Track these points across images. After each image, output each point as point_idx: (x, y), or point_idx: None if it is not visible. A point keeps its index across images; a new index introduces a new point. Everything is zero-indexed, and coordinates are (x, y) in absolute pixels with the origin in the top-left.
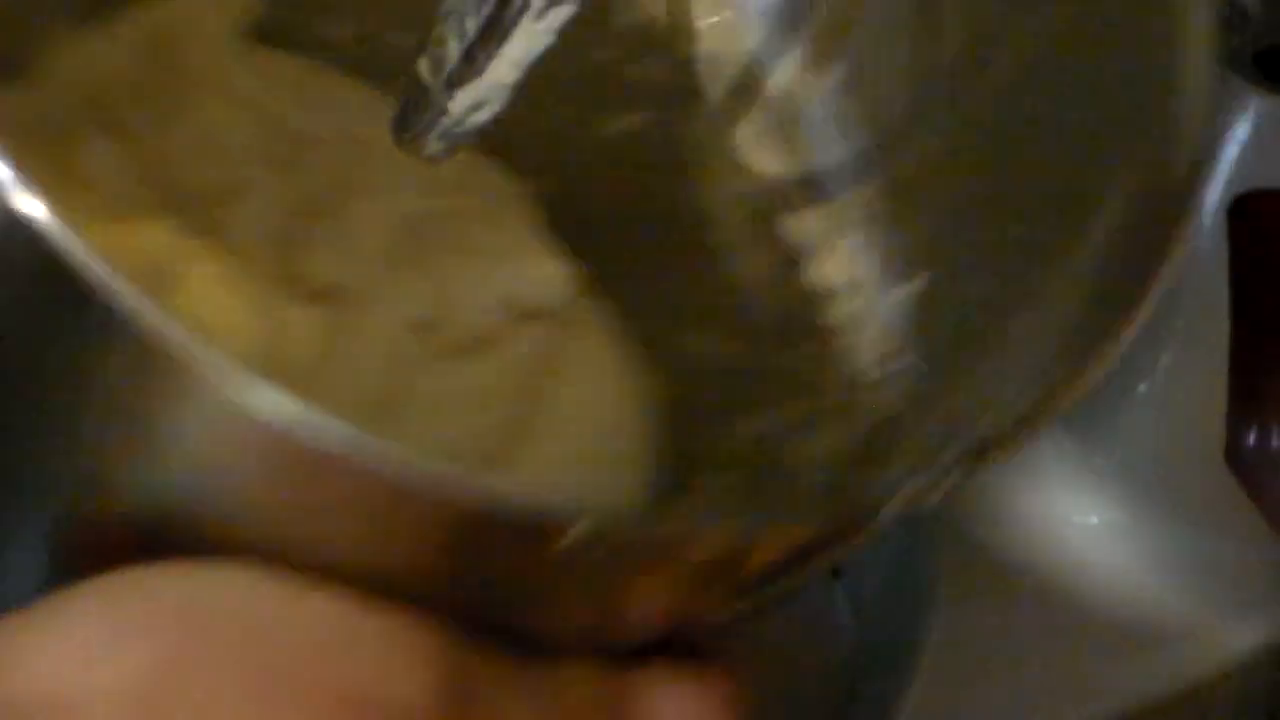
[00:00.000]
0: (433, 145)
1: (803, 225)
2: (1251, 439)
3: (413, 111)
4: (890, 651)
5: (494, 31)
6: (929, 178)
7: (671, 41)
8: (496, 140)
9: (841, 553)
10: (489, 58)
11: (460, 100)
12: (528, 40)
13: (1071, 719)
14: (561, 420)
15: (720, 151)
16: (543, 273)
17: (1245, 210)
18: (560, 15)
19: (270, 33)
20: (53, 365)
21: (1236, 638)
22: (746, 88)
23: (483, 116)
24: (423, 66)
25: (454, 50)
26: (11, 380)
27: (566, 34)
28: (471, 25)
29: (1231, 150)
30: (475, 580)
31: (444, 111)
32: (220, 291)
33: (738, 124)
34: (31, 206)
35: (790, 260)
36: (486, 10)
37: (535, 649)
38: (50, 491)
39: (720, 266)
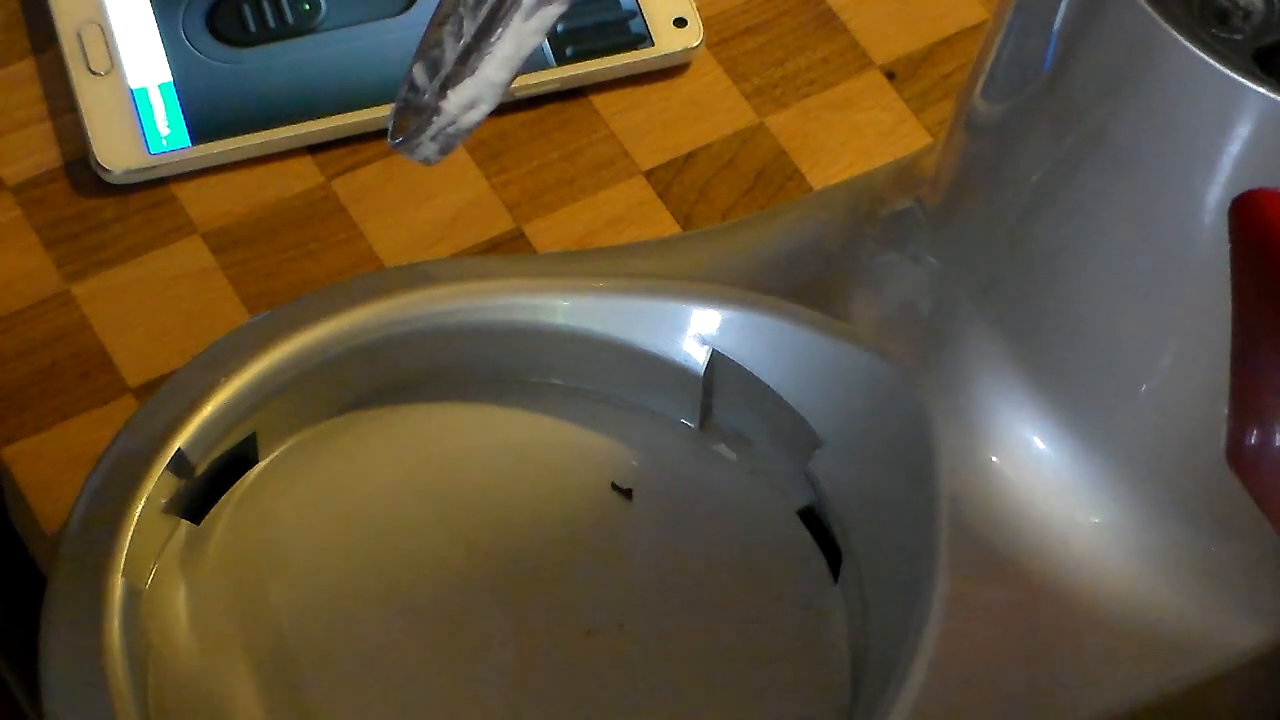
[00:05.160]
0: (427, 147)
1: None
2: (1252, 439)
3: (406, 116)
4: (890, 653)
5: (488, 30)
6: None
7: None
8: None
9: None
10: (481, 57)
11: (453, 100)
12: (518, 39)
13: (1071, 718)
14: None
15: None
16: None
17: (1245, 210)
18: (549, 15)
19: None
20: None
21: (1236, 638)
22: None
23: (475, 115)
24: (418, 71)
25: (450, 53)
26: None
27: None
28: (469, 27)
29: (1231, 150)
30: None
31: (438, 112)
32: None
33: None
34: None
35: None
36: (485, 11)
37: None
38: None
39: None
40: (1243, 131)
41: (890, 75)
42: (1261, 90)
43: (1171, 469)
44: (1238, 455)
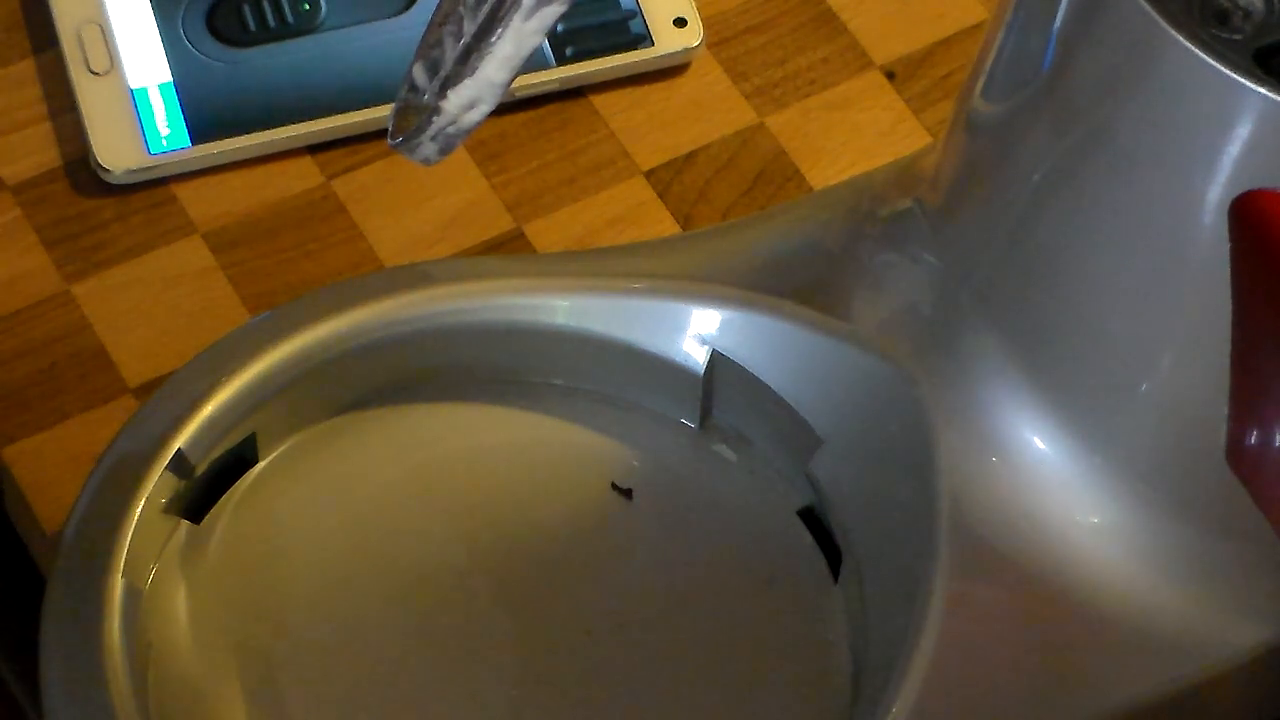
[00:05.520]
0: (427, 147)
1: None
2: (1252, 439)
3: (406, 116)
4: (890, 653)
5: (488, 30)
6: None
7: None
8: None
9: None
10: (481, 57)
11: (453, 100)
12: (518, 39)
13: (1071, 718)
14: None
15: None
16: None
17: (1245, 210)
18: (549, 15)
19: None
20: None
21: (1236, 638)
22: None
23: (475, 115)
24: (418, 71)
25: (450, 53)
26: None
27: None
28: (470, 27)
29: (1231, 150)
30: None
31: (438, 112)
32: None
33: None
34: None
35: None
36: (485, 11)
37: None
38: None
39: None
40: (1243, 131)
41: (890, 75)
42: (1261, 90)
43: (1171, 469)
44: (1238, 455)
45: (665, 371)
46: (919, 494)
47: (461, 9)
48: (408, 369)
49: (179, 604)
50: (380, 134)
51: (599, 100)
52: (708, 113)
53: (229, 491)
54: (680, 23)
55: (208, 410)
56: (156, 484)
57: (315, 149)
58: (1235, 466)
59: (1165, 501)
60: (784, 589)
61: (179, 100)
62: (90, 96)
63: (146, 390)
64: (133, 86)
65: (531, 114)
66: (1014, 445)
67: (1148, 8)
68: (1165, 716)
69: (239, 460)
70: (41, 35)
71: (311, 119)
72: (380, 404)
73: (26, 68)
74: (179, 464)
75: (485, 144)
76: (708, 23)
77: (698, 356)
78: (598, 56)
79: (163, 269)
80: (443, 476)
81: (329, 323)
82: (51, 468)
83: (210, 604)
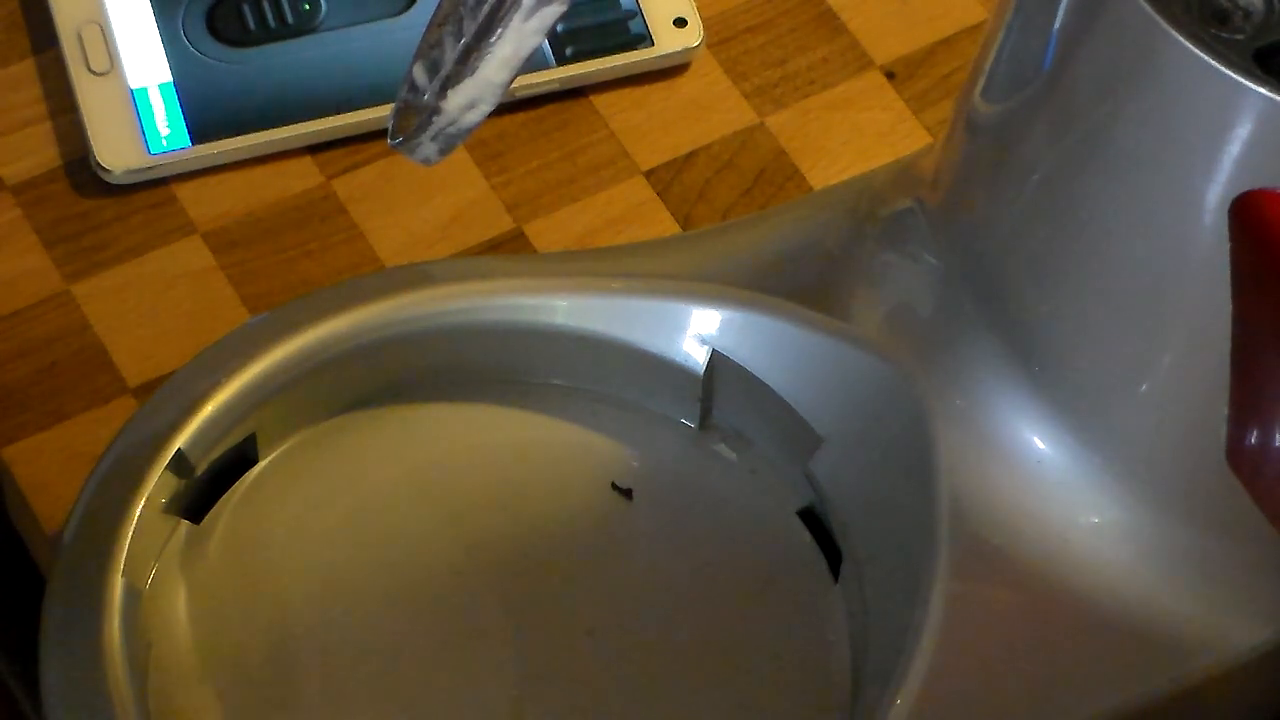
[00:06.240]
0: (427, 147)
1: None
2: (1252, 439)
3: (406, 116)
4: (890, 653)
5: (488, 30)
6: None
7: None
8: None
9: None
10: (481, 57)
11: (453, 100)
12: (518, 39)
13: (1071, 718)
14: None
15: None
16: None
17: (1245, 210)
18: (549, 15)
19: None
20: None
21: (1236, 638)
22: None
23: (475, 116)
24: (418, 71)
25: (450, 53)
26: None
27: None
28: (470, 27)
29: (1231, 150)
30: None
31: (438, 111)
32: None
33: None
34: None
35: None
36: (485, 11)
37: None
38: None
39: None
40: (1243, 131)
41: (890, 75)
42: (1261, 90)
43: (1171, 469)
44: (1238, 455)
45: (665, 371)
46: (919, 494)
47: (461, 9)
48: (408, 369)
49: (179, 604)
50: (380, 134)
51: (599, 100)
52: (708, 113)
53: (229, 491)
54: (680, 23)
55: (208, 410)
56: (156, 484)
57: (315, 149)
58: (1235, 466)
59: (1165, 501)
60: (784, 589)
61: (179, 100)
62: (90, 96)
63: (146, 390)
64: (133, 86)
65: (531, 114)
66: (1014, 445)
67: (1148, 8)
68: (1165, 716)
69: (239, 460)
70: (41, 35)
71: (311, 119)
72: (380, 404)
73: (26, 68)
74: (179, 464)
75: (485, 144)
76: (708, 23)
77: (698, 356)
78: (598, 56)
79: (163, 269)
80: (443, 476)
81: (329, 323)
82: (51, 468)
83: (210, 604)
